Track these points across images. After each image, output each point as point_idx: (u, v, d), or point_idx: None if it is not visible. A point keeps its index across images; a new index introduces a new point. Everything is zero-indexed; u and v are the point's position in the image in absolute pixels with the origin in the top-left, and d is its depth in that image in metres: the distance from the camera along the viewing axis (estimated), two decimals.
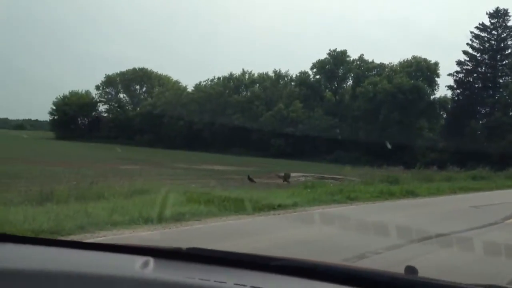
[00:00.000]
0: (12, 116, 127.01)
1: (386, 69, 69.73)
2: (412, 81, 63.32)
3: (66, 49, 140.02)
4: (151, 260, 1.96)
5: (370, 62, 74.24)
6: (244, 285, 1.76)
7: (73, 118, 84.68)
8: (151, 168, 30.24)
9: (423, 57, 67.17)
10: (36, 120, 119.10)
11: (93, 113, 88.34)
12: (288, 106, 69.45)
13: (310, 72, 77.37)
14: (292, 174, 33.39)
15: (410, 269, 2.06)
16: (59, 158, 35.12)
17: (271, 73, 79.77)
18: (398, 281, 1.84)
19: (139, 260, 1.96)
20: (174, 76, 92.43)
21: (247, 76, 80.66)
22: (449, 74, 65.06)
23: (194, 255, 2.06)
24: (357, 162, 42.99)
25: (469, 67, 64.84)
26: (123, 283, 1.84)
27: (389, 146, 46.72)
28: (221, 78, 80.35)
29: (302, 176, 32.35)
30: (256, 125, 68.56)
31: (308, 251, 7.57)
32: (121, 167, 29.77)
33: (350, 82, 75.78)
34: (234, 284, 1.78)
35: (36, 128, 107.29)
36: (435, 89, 66.66)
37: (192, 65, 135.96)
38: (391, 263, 6.67)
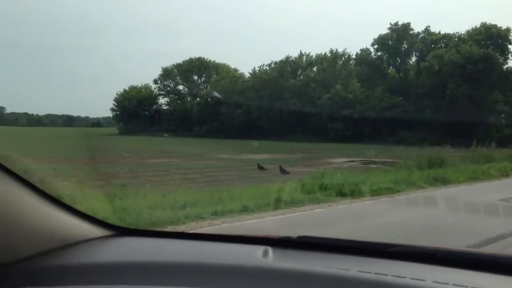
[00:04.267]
0: (92, 115, 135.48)
1: (453, 39, 63.81)
2: (482, 50, 57.38)
3: (132, 48, 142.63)
4: (269, 249, 2.02)
5: (436, 34, 68.54)
6: (369, 272, 1.78)
7: (134, 113, 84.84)
8: (184, 161, 28.87)
9: (492, 23, 60.80)
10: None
11: (154, 107, 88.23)
12: (347, 87, 65.48)
13: (371, 49, 72.92)
14: (336, 160, 30.76)
15: None
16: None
17: (328, 54, 75.69)
18: None
19: (259, 249, 2.02)
20: (233, 64, 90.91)
21: (304, 59, 77.11)
22: None
23: (305, 243, 2.12)
24: (423, 143, 39.37)
25: None
26: (249, 272, 1.89)
27: None
28: (278, 63, 77.23)
29: (347, 161, 29.47)
30: (314, 109, 65.44)
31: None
32: (151, 160, 28.72)
33: (414, 57, 70.62)
34: (358, 271, 1.79)
35: (113, 125, 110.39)
36: (508, 58, 60.37)
37: (250, 52, 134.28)
38: None
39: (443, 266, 1.81)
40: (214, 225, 8.16)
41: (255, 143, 43.65)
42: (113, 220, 7.87)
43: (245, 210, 9.47)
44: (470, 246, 6.57)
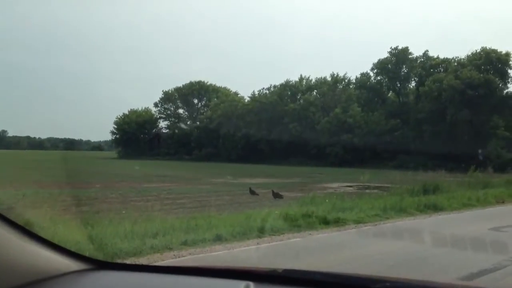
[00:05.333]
0: (94, 138, 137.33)
1: (453, 64, 63.71)
2: (482, 75, 57.19)
3: (133, 72, 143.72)
4: (251, 286, 1.93)
5: (435, 58, 68.56)
6: None
7: (134, 136, 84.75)
8: (178, 185, 28.53)
9: (492, 48, 60.72)
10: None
11: (153, 130, 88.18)
12: (347, 111, 65.29)
13: (371, 74, 72.95)
14: (332, 185, 30.36)
15: None
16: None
17: (328, 78, 75.73)
18: None
19: (240, 285, 1.93)
20: (233, 88, 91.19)
21: (304, 82, 77.17)
22: None
23: (290, 278, 2.04)
24: (423, 167, 38.92)
25: None
26: None
27: (480, 157, 40.97)
28: (277, 86, 77.29)
29: (343, 186, 29.11)
30: (313, 133, 65.19)
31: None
32: (145, 185, 28.36)
33: (414, 82, 70.55)
34: None
35: (113, 148, 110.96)
36: (508, 82, 60.15)
37: (250, 76, 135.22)
38: None
39: None
40: (180, 256, 7.70)
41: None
42: (73, 249, 7.45)
43: (218, 239, 8.99)
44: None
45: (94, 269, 2.18)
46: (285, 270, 2.09)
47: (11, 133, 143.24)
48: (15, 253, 1.85)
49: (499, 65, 59.11)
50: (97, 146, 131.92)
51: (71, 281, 2.04)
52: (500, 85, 58.99)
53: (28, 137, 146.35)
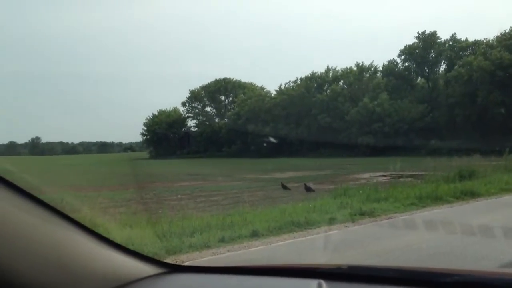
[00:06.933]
0: (125, 140, 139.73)
1: (482, 46, 62.31)
2: None
3: (161, 73, 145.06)
4: (323, 284, 1.95)
5: (464, 41, 67.20)
6: None
7: (164, 136, 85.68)
8: (210, 183, 28.70)
9: None
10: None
11: (183, 129, 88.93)
12: (375, 100, 64.55)
13: (398, 60, 72.01)
14: (364, 175, 30.06)
15: None
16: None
17: (354, 67, 74.99)
18: None
19: (312, 284, 1.95)
20: (259, 83, 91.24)
21: (331, 73, 76.57)
22: None
23: (355, 274, 2.04)
24: (456, 152, 38.26)
25: None
26: None
27: None
28: (303, 79, 76.89)
29: (376, 176, 28.80)
30: (343, 124, 64.70)
31: None
32: (178, 184, 28.63)
33: (443, 66, 69.34)
34: None
35: (144, 149, 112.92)
36: None
37: (275, 70, 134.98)
38: None
39: None
40: (218, 254, 7.77)
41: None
42: None
43: (255, 235, 9.03)
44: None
45: (168, 272, 2.20)
46: (350, 267, 2.11)
47: (44, 139, 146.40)
48: (90, 259, 1.87)
49: None
50: (129, 147, 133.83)
51: (149, 285, 2.06)
52: None
53: (61, 143, 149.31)
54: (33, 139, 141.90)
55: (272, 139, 69.90)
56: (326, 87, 74.86)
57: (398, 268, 2.16)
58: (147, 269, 2.12)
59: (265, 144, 70.72)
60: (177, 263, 2.49)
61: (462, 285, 1.78)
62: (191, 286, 2.17)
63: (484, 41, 63.51)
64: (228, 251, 7.96)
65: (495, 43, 60.06)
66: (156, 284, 2.10)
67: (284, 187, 21.58)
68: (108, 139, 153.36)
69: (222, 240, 8.55)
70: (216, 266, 2.99)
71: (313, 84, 75.63)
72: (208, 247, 8.18)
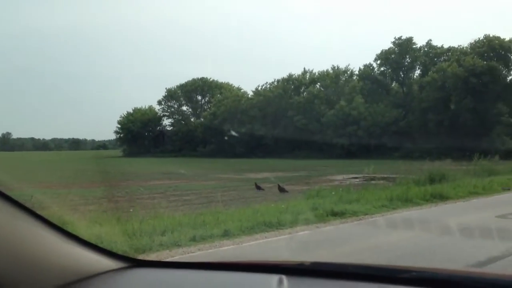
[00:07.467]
0: (98, 138, 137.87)
1: (456, 53, 63.43)
2: (485, 62, 56.93)
3: (136, 71, 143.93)
4: (284, 278, 1.96)
5: (439, 47, 68.32)
6: None
7: (138, 134, 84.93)
8: (184, 182, 28.54)
9: (495, 35, 60.36)
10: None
11: (158, 128, 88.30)
12: (351, 103, 65.14)
13: (374, 65, 72.80)
14: (338, 177, 30.36)
15: None
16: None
17: (330, 70, 75.51)
18: None
19: (273, 279, 1.96)
20: (235, 83, 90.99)
21: (307, 76, 76.96)
22: None
23: (319, 270, 2.08)
24: (429, 156, 38.85)
25: None
26: None
27: None
28: (280, 81, 77.15)
29: (349, 178, 29.10)
30: (318, 126, 65.09)
31: None
32: (151, 182, 28.38)
33: (418, 71, 70.38)
34: None
35: (118, 147, 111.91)
36: None
37: (252, 71, 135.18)
38: None
39: None
40: (189, 253, 7.74)
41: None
42: None
43: (226, 234, 9.02)
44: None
45: (131, 267, 2.19)
46: (313, 263, 2.10)
47: (15, 135, 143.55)
48: (53, 253, 1.87)
49: (502, 52, 58.94)
50: (102, 145, 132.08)
51: (109, 279, 2.05)
52: (504, 72, 58.85)
53: (32, 139, 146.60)
54: (3, 135, 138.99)
55: (233, 133, 70.07)
56: (302, 89, 75.27)
57: (359, 264, 2.18)
58: (110, 264, 2.11)
59: (226, 138, 70.77)
60: (142, 258, 2.43)
61: (419, 281, 1.81)
62: (152, 280, 2.15)
63: (459, 48, 64.78)
64: (199, 250, 7.94)
65: (469, 50, 61.19)
66: (117, 278, 2.09)
67: (258, 187, 21.63)
68: (80, 136, 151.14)
69: (193, 239, 8.52)
70: (182, 261, 2.98)
71: (290, 86, 75.96)
72: (178, 246, 8.14)
